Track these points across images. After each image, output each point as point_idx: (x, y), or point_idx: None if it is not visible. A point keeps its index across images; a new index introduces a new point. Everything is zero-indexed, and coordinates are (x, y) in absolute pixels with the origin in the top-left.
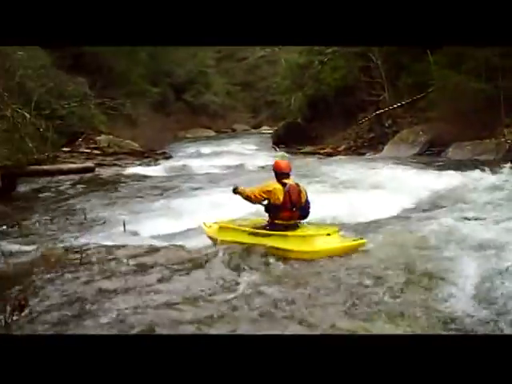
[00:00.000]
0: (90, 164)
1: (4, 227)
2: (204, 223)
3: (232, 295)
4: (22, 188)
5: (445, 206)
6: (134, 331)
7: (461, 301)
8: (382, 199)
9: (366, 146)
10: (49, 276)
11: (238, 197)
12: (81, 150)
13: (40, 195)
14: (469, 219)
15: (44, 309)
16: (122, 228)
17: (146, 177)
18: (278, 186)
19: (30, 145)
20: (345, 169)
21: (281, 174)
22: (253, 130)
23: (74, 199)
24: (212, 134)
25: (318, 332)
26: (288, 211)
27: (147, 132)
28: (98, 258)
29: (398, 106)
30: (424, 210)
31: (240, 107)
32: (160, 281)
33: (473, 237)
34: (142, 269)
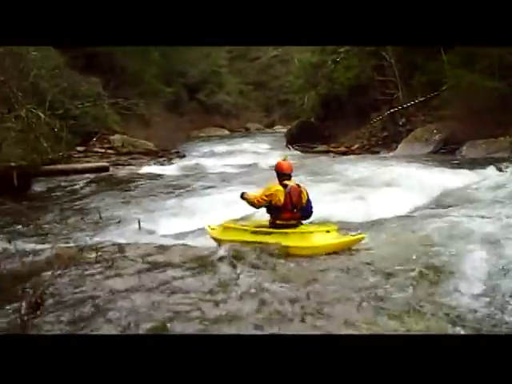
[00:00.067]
0: (104, 163)
1: (19, 226)
2: (208, 225)
3: (241, 293)
4: (37, 187)
5: (457, 204)
6: (146, 330)
7: (468, 297)
8: (395, 197)
9: (380, 144)
10: (63, 275)
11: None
12: (95, 149)
13: (55, 195)
14: (481, 217)
15: (59, 307)
16: (136, 227)
17: (159, 176)
18: (279, 188)
19: (45, 145)
20: (358, 167)
21: (282, 175)
22: (266, 129)
23: (88, 198)
24: (225, 133)
25: (329, 329)
26: (289, 212)
27: (161, 132)
28: (113, 257)
29: (412, 105)
30: (435, 208)
31: (253, 106)
32: (175, 279)
33: (482, 234)
34: (156, 267)
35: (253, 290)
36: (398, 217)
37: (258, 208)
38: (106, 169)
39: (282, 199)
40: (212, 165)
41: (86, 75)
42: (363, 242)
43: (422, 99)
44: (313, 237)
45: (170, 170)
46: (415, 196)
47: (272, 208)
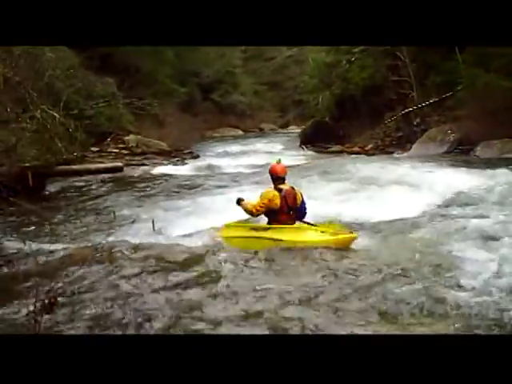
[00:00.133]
0: (118, 163)
1: (33, 227)
2: (212, 227)
3: (249, 292)
4: (52, 188)
5: (469, 205)
6: (157, 330)
7: (470, 297)
8: (407, 197)
9: (394, 144)
10: (78, 275)
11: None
12: (109, 149)
13: (69, 195)
14: (490, 217)
15: (72, 308)
16: (150, 226)
17: (173, 176)
18: (275, 193)
19: (59, 145)
20: (372, 167)
21: (277, 179)
22: (280, 130)
23: (102, 199)
24: (239, 133)
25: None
26: (285, 214)
27: (175, 132)
28: (127, 257)
29: (427, 105)
30: (446, 208)
31: (267, 106)
32: (187, 279)
33: (490, 234)
34: (169, 267)
35: (258, 289)
36: (408, 217)
37: (255, 216)
38: (120, 169)
39: (279, 203)
40: (226, 165)
41: (101, 75)
42: (365, 241)
43: (436, 99)
44: (307, 233)
45: (184, 170)
46: (426, 196)
47: (269, 212)
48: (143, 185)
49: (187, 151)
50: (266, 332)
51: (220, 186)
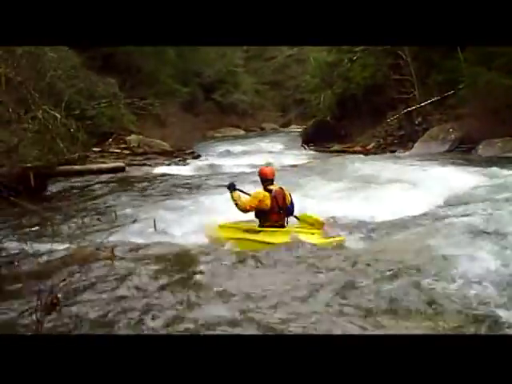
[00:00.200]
0: (120, 163)
1: (35, 227)
2: (206, 225)
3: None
4: (53, 188)
5: (470, 203)
6: (158, 330)
7: (471, 297)
8: (407, 196)
9: (396, 143)
10: (79, 274)
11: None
12: (111, 149)
13: (70, 195)
14: (491, 215)
15: (75, 308)
16: (152, 226)
17: (175, 176)
18: (266, 194)
19: (61, 145)
20: (373, 166)
21: (266, 181)
22: (281, 129)
23: (104, 198)
24: (241, 133)
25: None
26: (276, 214)
27: (176, 132)
28: (129, 257)
29: (428, 104)
30: (447, 206)
31: (269, 106)
32: (190, 278)
33: (493, 233)
34: (171, 266)
35: (253, 290)
36: (408, 216)
37: (245, 213)
38: (121, 169)
39: (269, 203)
40: (227, 164)
41: (103, 75)
42: (364, 240)
43: (438, 98)
44: (297, 236)
45: (186, 170)
46: (427, 195)
47: (260, 212)
48: (145, 185)
49: (189, 151)
50: (261, 332)
51: (221, 186)
